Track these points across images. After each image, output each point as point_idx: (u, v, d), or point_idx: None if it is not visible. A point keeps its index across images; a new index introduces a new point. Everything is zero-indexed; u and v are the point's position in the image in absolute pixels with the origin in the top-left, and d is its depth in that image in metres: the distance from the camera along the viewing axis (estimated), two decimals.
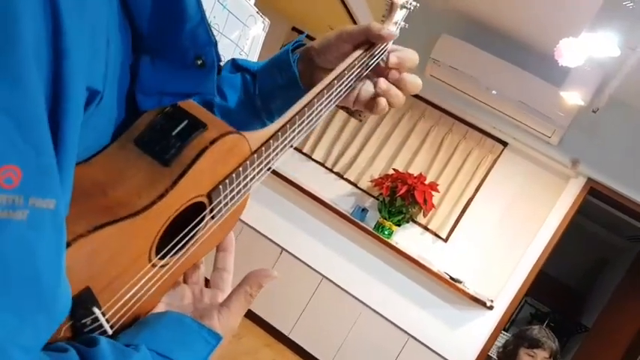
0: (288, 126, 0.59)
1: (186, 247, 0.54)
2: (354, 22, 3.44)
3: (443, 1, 3.88)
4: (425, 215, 4.22)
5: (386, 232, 4.11)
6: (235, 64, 0.76)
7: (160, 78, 0.46)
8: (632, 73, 2.90)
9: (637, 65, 2.70)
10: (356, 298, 4.10)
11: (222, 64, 0.52)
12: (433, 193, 4.11)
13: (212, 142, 0.48)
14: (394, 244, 4.01)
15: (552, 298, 6.87)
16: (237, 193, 0.55)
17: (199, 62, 0.47)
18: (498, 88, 3.77)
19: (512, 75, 3.73)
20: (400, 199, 4.06)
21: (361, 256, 4.15)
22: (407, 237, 4.25)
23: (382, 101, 0.69)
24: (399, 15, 0.76)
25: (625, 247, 6.33)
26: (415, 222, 4.28)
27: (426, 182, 4.14)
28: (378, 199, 4.27)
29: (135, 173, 0.46)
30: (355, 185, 4.43)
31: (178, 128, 0.48)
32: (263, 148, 0.56)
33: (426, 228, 4.27)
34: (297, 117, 0.60)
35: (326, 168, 4.50)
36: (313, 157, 4.52)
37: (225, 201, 0.54)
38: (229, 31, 2.01)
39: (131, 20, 0.44)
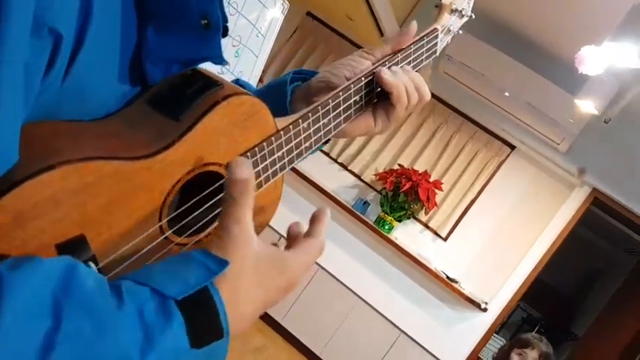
0: (320, 107, 0.57)
1: (208, 227, 0.51)
2: (370, 8, 3.39)
3: None
4: (426, 213, 4.20)
5: (386, 227, 4.09)
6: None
7: (166, 45, 0.45)
8: None
9: None
10: (351, 290, 4.09)
11: (228, 24, 0.49)
12: (437, 191, 4.08)
13: (224, 98, 0.46)
14: (393, 240, 3.99)
15: (544, 304, 6.88)
16: (263, 172, 0.52)
17: (204, 22, 0.45)
18: (511, 90, 3.73)
19: (527, 78, 3.68)
20: (403, 195, 4.03)
21: (360, 249, 4.14)
22: (407, 233, 4.23)
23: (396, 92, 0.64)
24: (450, 20, 0.72)
25: (621, 259, 6.32)
26: (416, 219, 4.26)
27: (431, 180, 4.12)
28: (380, 194, 4.24)
29: (144, 129, 0.44)
30: (359, 177, 4.40)
31: (193, 88, 0.47)
32: (291, 126, 0.53)
33: (426, 226, 4.25)
34: (330, 100, 0.58)
35: (330, 158, 4.47)
36: None
37: None
38: (248, 11, 1.97)
39: None
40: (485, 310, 3.88)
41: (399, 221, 4.15)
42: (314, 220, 0.52)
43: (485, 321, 4.00)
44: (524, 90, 3.69)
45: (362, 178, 4.39)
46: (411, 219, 4.24)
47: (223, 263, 0.41)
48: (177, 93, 0.46)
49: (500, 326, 6.14)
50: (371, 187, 4.37)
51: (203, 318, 0.39)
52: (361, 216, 4.06)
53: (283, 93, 0.65)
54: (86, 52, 0.39)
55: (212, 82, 0.47)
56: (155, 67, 0.45)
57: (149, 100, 0.46)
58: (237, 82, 0.71)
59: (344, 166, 4.43)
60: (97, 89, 0.43)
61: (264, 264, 0.44)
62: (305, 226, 0.52)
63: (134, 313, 0.36)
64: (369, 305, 4.07)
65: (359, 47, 4.40)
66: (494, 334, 4.26)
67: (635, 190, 3.77)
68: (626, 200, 3.81)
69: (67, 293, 0.33)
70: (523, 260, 4.00)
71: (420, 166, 4.23)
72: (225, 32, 0.49)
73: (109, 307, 0.35)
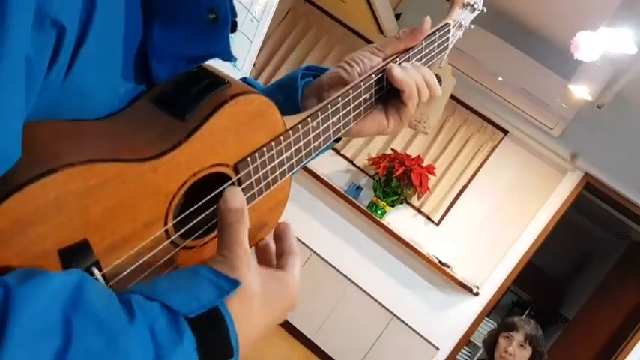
0: (329, 106, 0.55)
1: (214, 229, 0.49)
2: None
3: None
4: (419, 198, 4.20)
5: (379, 212, 4.09)
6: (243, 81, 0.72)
7: (172, 41, 0.43)
8: None
9: None
10: (344, 275, 4.11)
11: (236, 19, 0.47)
12: (429, 176, 4.08)
13: (232, 97, 0.45)
14: (386, 225, 4.00)
15: (535, 287, 6.94)
16: (270, 173, 0.51)
17: (212, 17, 0.43)
18: (505, 75, 3.72)
19: (520, 62, 3.67)
20: (396, 180, 4.03)
21: (352, 234, 4.14)
22: (399, 218, 4.24)
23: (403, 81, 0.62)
24: (461, 14, 0.70)
25: (611, 243, 6.38)
26: (409, 204, 4.26)
27: (424, 165, 4.11)
28: (373, 178, 4.24)
29: (149, 130, 0.43)
30: (352, 162, 4.39)
31: (199, 86, 0.45)
32: (299, 126, 0.52)
33: (419, 210, 4.25)
34: (339, 98, 0.57)
35: None
36: None
37: (256, 177, 0.49)
38: None
39: None
40: (477, 294, 3.91)
41: (392, 206, 4.16)
42: (282, 236, 0.52)
43: (477, 305, 4.04)
44: (518, 75, 3.68)
45: (355, 162, 4.38)
46: (404, 204, 4.25)
47: (235, 283, 0.41)
48: (183, 91, 0.45)
49: (491, 309, 6.21)
50: (364, 172, 4.36)
51: (214, 336, 0.39)
52: (354, 201, 4.06)
53: (294, 89, 0.63)
54: (89, 47, 0.37)
55: (219, 81, 0.46)
56: (161, 65, 0.44)
57: (154, 99, 0.45)
58: (244, 80, 0.69)
59: (337, 151, 4.41)
60: (100, 87, 0.41)
61: (269, 286, 0.46)
62: (270, 240, 0.53)
63: (145, 328, 0.35)
64: (362, 289, 4.09)
65: (351, 30, 4.36)
66: (485, 318, 4.30)
67: (627, 175, 3.80)
68: (618, 185, 3.84)
69: (77, 308, 0.32)
70: (515, 244, 4.03)
71: (412, 151, 4.22)
72: (234, 27, 0.46)
73: (120, 322, 0.34)
